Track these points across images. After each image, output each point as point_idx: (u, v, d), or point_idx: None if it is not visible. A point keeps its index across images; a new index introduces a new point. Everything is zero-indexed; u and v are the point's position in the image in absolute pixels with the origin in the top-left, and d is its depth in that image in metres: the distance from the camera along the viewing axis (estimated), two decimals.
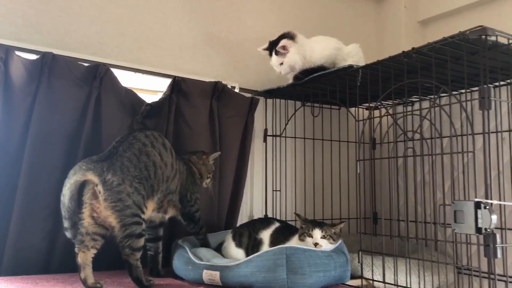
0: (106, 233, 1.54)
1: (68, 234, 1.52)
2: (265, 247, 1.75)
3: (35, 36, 1.86)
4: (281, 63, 2.07)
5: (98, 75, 1.86)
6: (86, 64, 1.87)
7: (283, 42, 2.03)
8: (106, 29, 2.02)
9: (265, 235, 1.79)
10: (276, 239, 1.75)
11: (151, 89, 2.27)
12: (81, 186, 1.51)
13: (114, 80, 1.91)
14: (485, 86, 1.38)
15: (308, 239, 1.64)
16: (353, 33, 2.74)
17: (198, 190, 1.89)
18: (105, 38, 2.02)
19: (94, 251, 1.52)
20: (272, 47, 2.07)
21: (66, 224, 1.50)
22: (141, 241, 1.53)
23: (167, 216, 1.79)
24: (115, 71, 1.92)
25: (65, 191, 1.47)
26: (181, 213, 1.82)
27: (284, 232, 1.77)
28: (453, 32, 1.53)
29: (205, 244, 1.89)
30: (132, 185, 1.52)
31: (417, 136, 2.10)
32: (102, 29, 2.01)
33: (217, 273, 1.58)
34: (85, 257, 1.50)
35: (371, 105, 1.90)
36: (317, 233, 1.64)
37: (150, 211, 1.64)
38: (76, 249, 1.50)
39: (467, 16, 2.61)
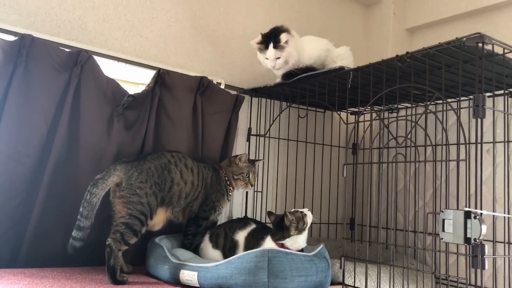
0: None
1: (77, 242, 1.54)
2: (240, 250, 1.71)
3: (14, 17, 1.76)
4: (278, 57, 2.01)
5: (79, 62, 1.77)
6: (67, 50, 1.78)
7: (285, 36, 1.96)
8: (90, 15, 1.93)
9: (241, 236, 1.75)
10: (250, 241, 1.71)
11: (133, 81, 2.19)
12: None
13: (96, 68, 1.82)
14: (480, 94, 1.36)
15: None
16: (341, 36, 2.72)
17: (219, 199, 1.93)
18: (88, 24, 1.93)
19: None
20: (268, 40, 2.00)
21: (82, 223, 1.55)
22: (134, 239, 1.60)
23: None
24: (97, 59, 1.84)
25: (98, 191, 1.57)
26: (189, 213, 1.86)
27: (258, 234, 1.73)
28: (440, 41, 1.51)
29: (187, 247, 1.85)
30: (151, 188, 1.67)
31: (402, 144, 2.09)
32: (86, 14, 1.92)
33: (195, 273, 1.52)
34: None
35: (360, 109, 1.86)
36: None
37: (158, 219, 1.74)
38: (108, 240, 1.56)
39: (455, 26, 2.63)
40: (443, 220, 1.35)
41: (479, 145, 1.37)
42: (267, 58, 2.05)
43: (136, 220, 1.61)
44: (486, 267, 1.28)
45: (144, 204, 1.63)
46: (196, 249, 1.84)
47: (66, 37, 1.86)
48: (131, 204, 1.61)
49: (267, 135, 2.36)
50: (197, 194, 1.85)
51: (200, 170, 1.88)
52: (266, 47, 2.03)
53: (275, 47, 2.00)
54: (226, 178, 1.96)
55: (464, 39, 1.42)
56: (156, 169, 1.71)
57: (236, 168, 1.97)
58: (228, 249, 1.73)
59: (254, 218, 2.22)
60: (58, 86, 1.76)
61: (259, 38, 2.04)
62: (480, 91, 1.37)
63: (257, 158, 2.24)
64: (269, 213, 1.77)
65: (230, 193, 1.98)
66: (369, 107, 1.96)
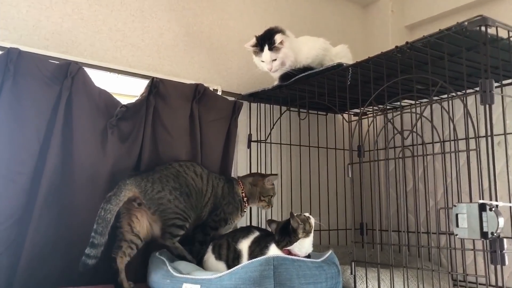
0: (140, 243, 1.68)
1: (90, 260, 1.52)
2: (244, 259, 1.62)
3: (0, 32, 1.71)
4: (274, 59, 1.95)
5: (69, 74, 1.72)
6: (56, 62, 1.73)
7: (279, 36, 1.91)
8: (79, 26, 1.89)
9: (244, 245, 1.66)
10: (254, 250, 1.63)
11: (127, 93, 2.13)
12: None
13: (86, 79, 1.77)
14: (487, 79, 1.28)
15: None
16: (339, 37, 2.65)
17: (232, 212, 1.88)
18: (78, 36, 1.88)
19: (128, 258, 1.64)
20: (263, 42, 1.95)
21: (97, 240, 1.53)
22: (181, 231, 1.68)
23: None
24: (88, 71, 1.79)
25: (112, 207, 1.57)
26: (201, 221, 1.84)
27: (262, 242, 1.64)
28: None
29: (195, 255, 1.79)
30: (172, 193, 1.68)
31: (408, 141, 2.01)
32: (75, 26, 1.88)
33: (198, 286, 1.44)
34: (122, 262, 1.61)
35: (362, 109, 1.78)
36: None
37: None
38: (113, 254, 1.61)
39: (455, 20, 2.53)
40: (457, 215, 1.27)
41: (489, 135, 1.29)
42: (263, 61, 1.99)
43: (174, 219, 1.67)
44: (507, 262, 1.19)
45: (172, 207, 1.67)
46: (199, 262, 1.76)
47: (56, 50, 1.81)
48: (161, 213, 1.66)
49: (268, 140, 2.29)
50: (207, 201, 1.83)
51: (210, 178, 1.85)
52: (261, 50, 1.97)
53: (270, 49, 1.94)
54: (243, 194, 1.91)
55: (466, 23, 1.35)
56: (168, 176, 1.72)
57: (264, 190, 1.94)
58: (232, 260, 1.65)
59: (259, 227, 2.14)
60: (49, 99, 1.71)
61: (253, 40, 1.99)
62: (487, 75, 1.29)
63: (270, 173, 2.13)
64: (270, 221, 1.68)
65: (245, 210, 1.93)
66: (371, 105, 1.89)
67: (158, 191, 1.66)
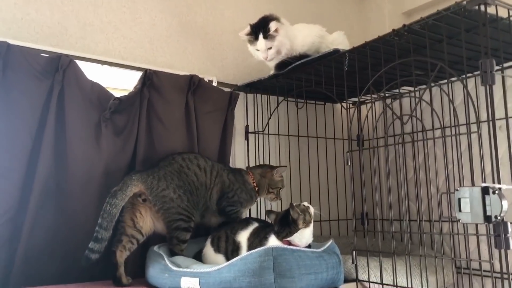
0: (141, 239, 1.67)
1: (94, 255, 1.50)
2: (243, 251, 1.59)
3: None
4: (270, 48, 1.91)
5: (61, 67, 1.68)
6: (46, 55, 1.69)
7: (274, 24, 1.87)
8: (69, 19, 1.85)
9: (243, 237, 1.64)
10: (253, 242, 1.60)
11: (121, 87, 2.08)
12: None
13: (78, 72, 1.73)
14: (487, 59, 1.24)
15: None
16: (335, 26, 2.61)
17: (246, 198, 1.86)
18: (68, 29, 1.84)
19: (128, 253, 1.63)
20: (257, 30, 1.91)
21: (101, 234, 1.51)
22: (187, 235, 1.66)
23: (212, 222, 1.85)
24: (80, 64, 1.75)
25: (118, 201, 1.55)
26: (217, 209, 1.81)
27: (261, 233, 1.61)
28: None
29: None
30: (175, 192, 1.66)
31: (408, 128, 1.97)
32: (65, 19, 1.83)
33: (197, 280, 1.41)
34: (121, 256, 1.60)
35: (360, 96, 1.74)
36: None
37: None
38: (113, 248, 1.59)
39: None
40: (459, 199, 1.23)
41: (491, 118, 1.25)
42: (258, 50, 1.95)
43: (178, 221, 1.64)
44: (511, 246, 1.16)
45: (175, 206, 1.65)
46: (199, 256, 1.73)
47: (46, 43, 1.77)
48: (165, 211, 1.64)
49: (266, 131, 2.25)
50: (211, 193, 1.80)
51: (215, 170, 1.82)
52: (256, 38, 1.93)
53: (265, 37, 1.90)
54: (254, 183, 1.88)
55: (464, 2, 1.31)
56: (172, 173, 1.70)
57: (273, 182, 1.91)
58: (231, 252, 1.62)
59: (258, 218, 2.11)
60: (40, 94, 1.66)
61: (247, 29, 1.95)
62: (487, 56, 1.26)
63: (279, 165, 2.09)
64: (269, 212, 1.66)
65: (256, 199, 1.93)
66: (369, 92, 1.85)
67: (162, 189, 1.64)
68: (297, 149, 2.35)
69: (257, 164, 2.18)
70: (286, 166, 2.04)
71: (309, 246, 1.56)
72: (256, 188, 1.89)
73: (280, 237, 1.54)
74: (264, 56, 1.93)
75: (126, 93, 1.85)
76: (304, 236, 1.55)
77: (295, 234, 1.53)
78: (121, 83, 2.03)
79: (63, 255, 1.65)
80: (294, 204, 1.54)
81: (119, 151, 1.81)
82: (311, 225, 1.56)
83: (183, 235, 1.65)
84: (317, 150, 2.40)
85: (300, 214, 1.53)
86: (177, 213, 1.65)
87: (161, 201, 1.64)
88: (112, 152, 1.78)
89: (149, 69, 1.88)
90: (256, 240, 1.59)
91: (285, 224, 1.55)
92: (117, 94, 1.84)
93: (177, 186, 1.67)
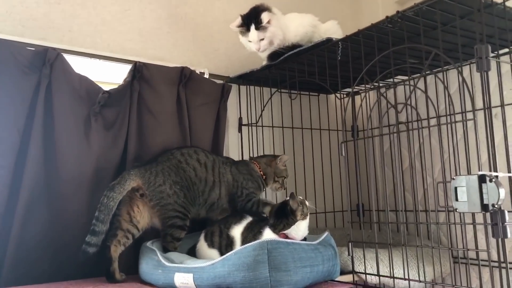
0: (137, 234, 1.66)
1: (91, 248, 1.49)
2: (237, 246, 1.57)
3: None
4: (262, 39, 1.87)
5: (48, 61, 1.64)
6: (33, 49, 1.65)
7: (266, 15, 1.83)
8: (56, 11, 1.81)
9: (237, 232, 1.61)
10: (247, 236, 1.58)
11: (110, 81, 2.04)
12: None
13: (66, 66, 1.69)
14: (482, 45, 1.22)
15: None
16: (328, 16, 2.58)
17: (254, 186, 1.82)
18: (55, 21, 1.80)
19: (122, 248, 1.61)
20: (249, 21, 1.87)
21: (98, 227, 1.50)
22: (182, 233, 1.65)
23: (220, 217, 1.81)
24: (67, 58, 1.71)
25: (116, 195, 1.54)
26: (237, 210, 1.79)
27: (255, 228, 1.59)
28: None
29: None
30: (172, 187, 1.64)
31: (403, 118, 1.95)
32: (51, 11, 1.79)
33: (190, 275, 1.39)
34: (115, 251, 1.58)
35: (354, 86, 1.72)
36: None
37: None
38: (107, 242, 1.56)
39: None
40: (455, 188, 1.22)
41: (487, 105, 1.23)
42: (250, 41, 1.92)
43: (174, 218, 1.63)
44: (509, 235, 1.14)
45: (172, 203, 1.63)
46: (192, 251, 1.71)
47: (32, 36, 1.73)
48: (161, 208, 1.63)
49: (259, 123, 2.22)
50: (217, 191, 1.77)
51: (216, 165, 1.79)
52: (248, 29, 1.90)
53: (257, 28, 1.87)
54: (261, 172, 1.87)
55: None
56: (170, 168, 1.68)
57: (278, 171, 1.90)
58: (225, 247, 1.59)
59: None
60: (28, 88, 1.63)
61: (238, 20, 1.91)
62: (482, 42, 1.23)
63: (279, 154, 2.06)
64: (263, 203, 1.63)
65: (263, 188, 1.90)
66: (363, 82, 1.83)
67: (159, 185, 1.63)
68: (291, 141, 2.32)
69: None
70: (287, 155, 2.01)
71: (304, 239, 1.54)
72: (264, 177, 1.87)
73: (277, 230, 1.52)
74: (256, 47, 1.90)
75: (115, 86, 1.82)
76: (300, 229, 1.52)
77: (292, 227, 1.51)
78: (110, 76, 1.99)
79: (54, 252, 1.62)
80: (291, 196, 1.52)
81: (109, 146, 1.77)
82: (308, 217, 1.54)
83: (178, 233, 1.64)
84: (312, 142, 2.37)
85: (299, 205, 1.51)
86: (174, 209, 1.63)
87: (158, 196, 1.62)
88: (102, 146, 1.75)
89: (139, 62, 1.84)
90: (250, 234, 1.56)
91: (282, 216, 1.53)
92: (107, 88, 1.81)
93: (173, 182, 1.65)
